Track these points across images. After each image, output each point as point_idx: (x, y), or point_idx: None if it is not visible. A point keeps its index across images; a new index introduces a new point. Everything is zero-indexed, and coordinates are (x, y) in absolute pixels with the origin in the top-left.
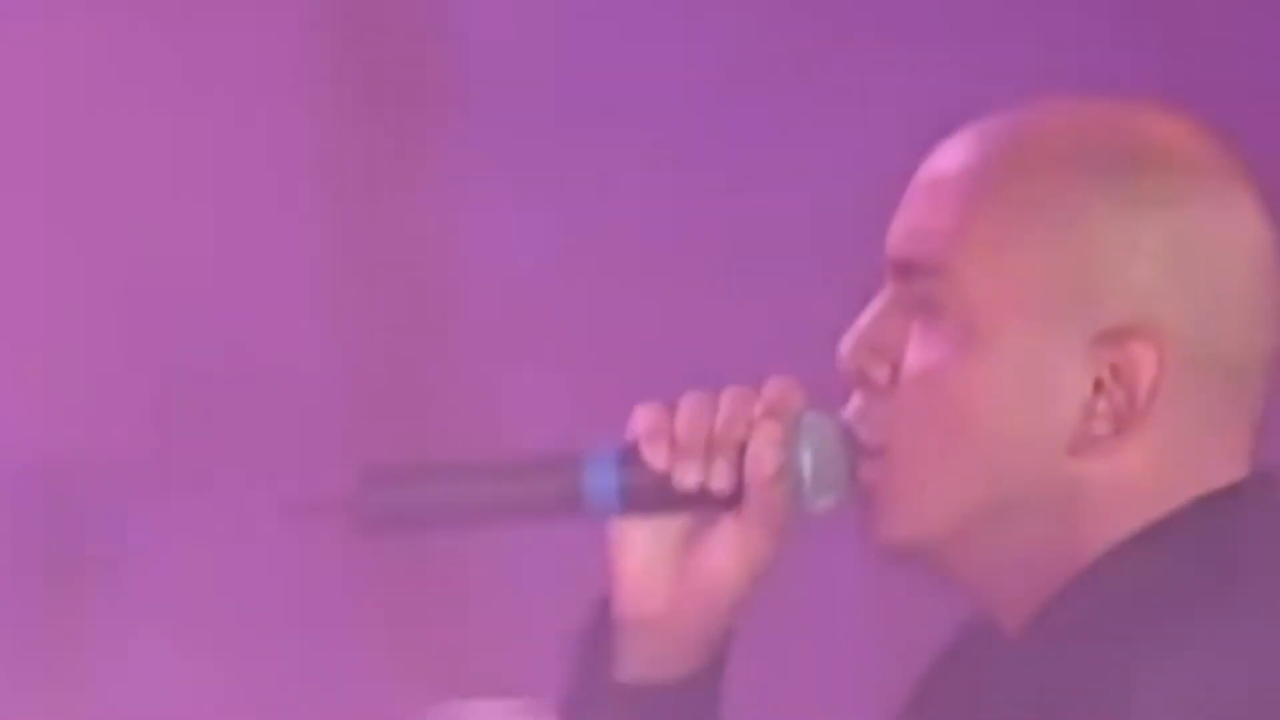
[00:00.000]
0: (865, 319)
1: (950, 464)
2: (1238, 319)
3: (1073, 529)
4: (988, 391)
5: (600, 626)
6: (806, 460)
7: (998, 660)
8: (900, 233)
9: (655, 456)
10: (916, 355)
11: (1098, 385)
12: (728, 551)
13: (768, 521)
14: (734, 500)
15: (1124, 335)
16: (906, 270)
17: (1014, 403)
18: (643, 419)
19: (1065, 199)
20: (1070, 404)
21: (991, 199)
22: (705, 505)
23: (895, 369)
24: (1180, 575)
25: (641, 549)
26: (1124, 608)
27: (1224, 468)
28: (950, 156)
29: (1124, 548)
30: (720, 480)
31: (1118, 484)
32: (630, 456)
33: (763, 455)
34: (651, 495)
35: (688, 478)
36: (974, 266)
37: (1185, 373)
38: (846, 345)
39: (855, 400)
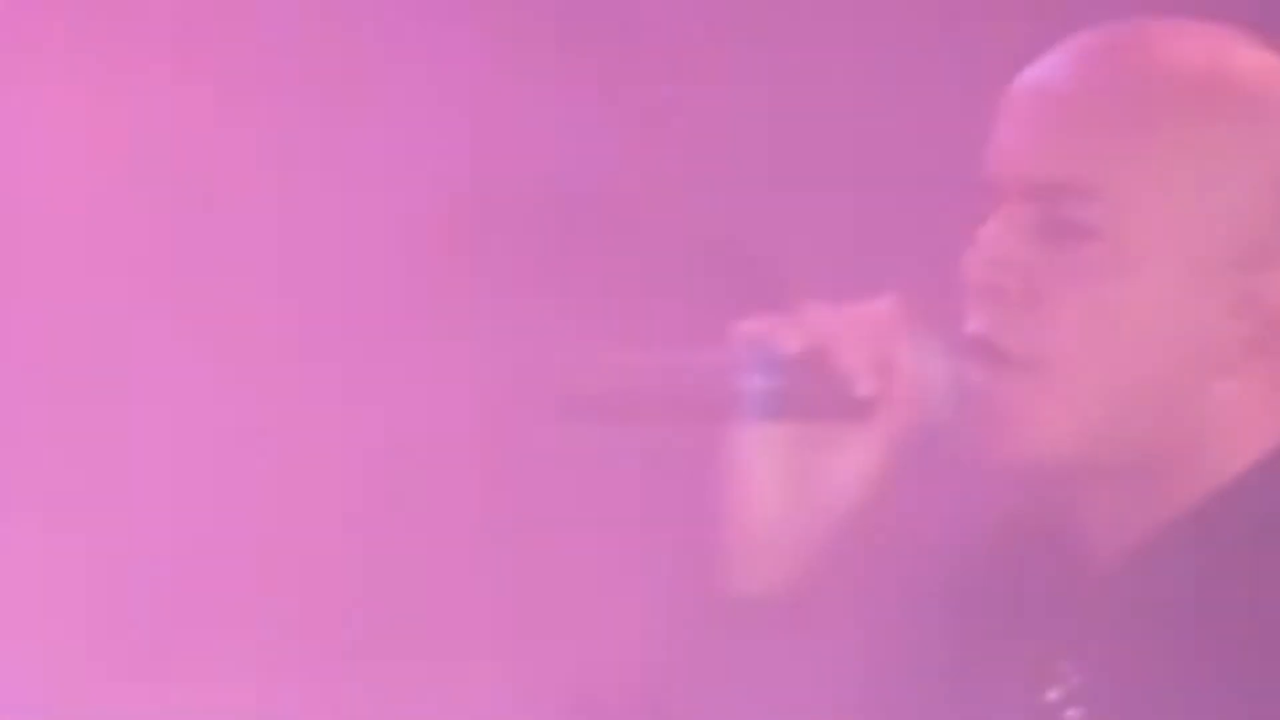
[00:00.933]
0: (996, 234)
1: (1102, 381)
2: None
3: (1195, 449)
4: (1142, 312)
5: (711, 544)
6: (940, 375)
7: (1095, 578)
8: (1031, 151)
9: (838, 361)
10: (1068, 274)
11: (1238, 310)
12: (854, 465)
13: (903, 434)
14: (868, 412)
15: (1265, 263)
16: (1046, 191)
17: (1164, 324)
18: (801, 326)
19: (1210, 134)
20: (1213, 327)
21: (1142, 126)
22: (848, 414)
23: (1030, 285)
24: None
25: (765, 463)
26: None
27: None
28: (1077, 74)
29: (1241, 484)
30: (871, 389)
31: (1240, 407)
32: (788, 361)
33: (912, 368)
34: (804, 400)
35: (862, 384)
36: (1130, 193)
37: None
38: (978, 258)
39: (981, 313)
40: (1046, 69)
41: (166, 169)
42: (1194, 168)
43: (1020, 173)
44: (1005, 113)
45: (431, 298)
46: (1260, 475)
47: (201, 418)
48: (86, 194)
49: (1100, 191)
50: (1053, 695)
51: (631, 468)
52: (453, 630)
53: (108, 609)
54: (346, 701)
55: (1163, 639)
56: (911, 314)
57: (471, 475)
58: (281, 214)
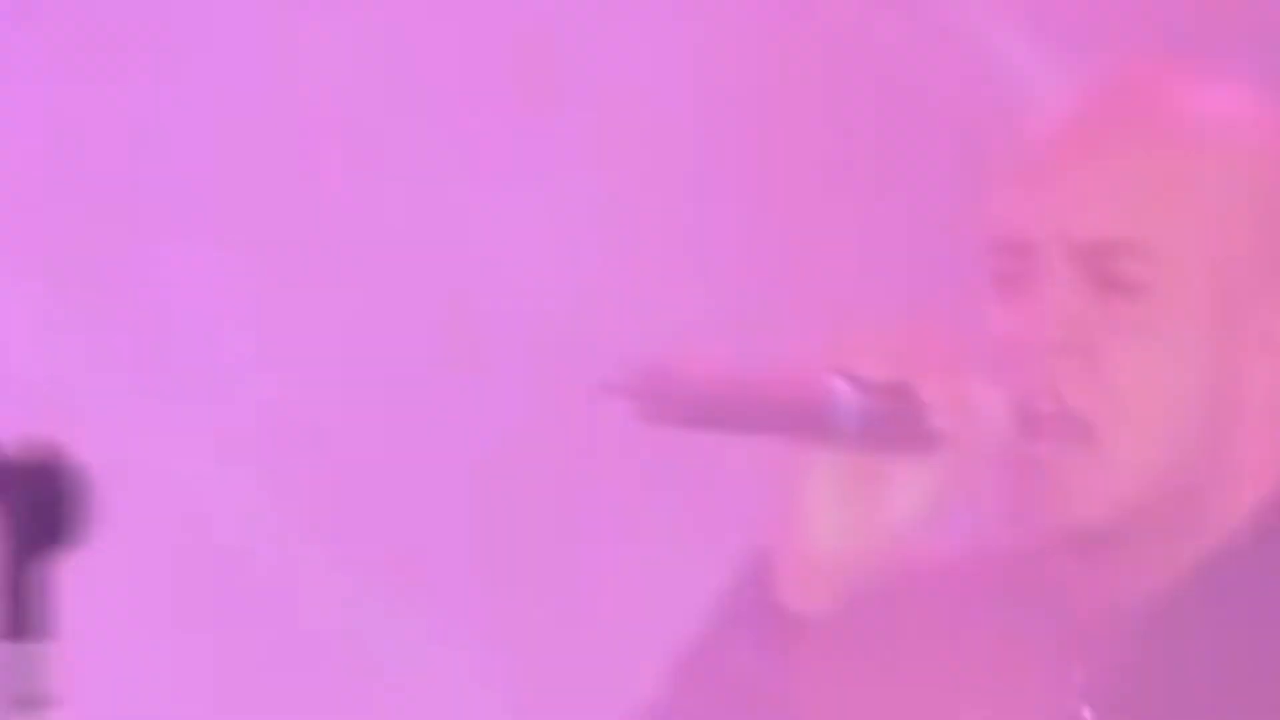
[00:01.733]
0: (1051, 294)
1: (1164, 441)
2: None
3: (1221, 496)
4: (1189, 362)
5: (763, 559)
6: (1003, 422)
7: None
8: (1078, 209)
9: (935, 394)
10: (1124, 331)
11: (1261, 350)
12: (912, 495)
13: (965, 472)
14: (935, 446)
15: None
16: (1097, 249)
17: (1206, 371)
18: (892, 352)
19: (1237, 181)
20: (1240, 370)
21: (1183, 179)
22: (918, 444)
23: (1089, 343)
24: None
25: (829, 486)
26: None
27: None
28: (1111, 128)
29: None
30: (944, 424)
31: (1258, 450)
32: (882, 389)
33: (995, 411)
34: (889, 428)
35: (939, 417)
36: (1179, 247)
37: None
38: (1035, 320)
39: (1039, 374)
40: (1076, 123)
41: None
42: (1228, 217)
43: (1068, 232)
44: (1040, 170)
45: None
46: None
47: None
48: None
49: (1152, 247)
50: None
51: (701, 476)
52: (506, 634)
53: None
54: None
55: (1189, 688)
56: (988, 358)
57: (542, 474)
58: None
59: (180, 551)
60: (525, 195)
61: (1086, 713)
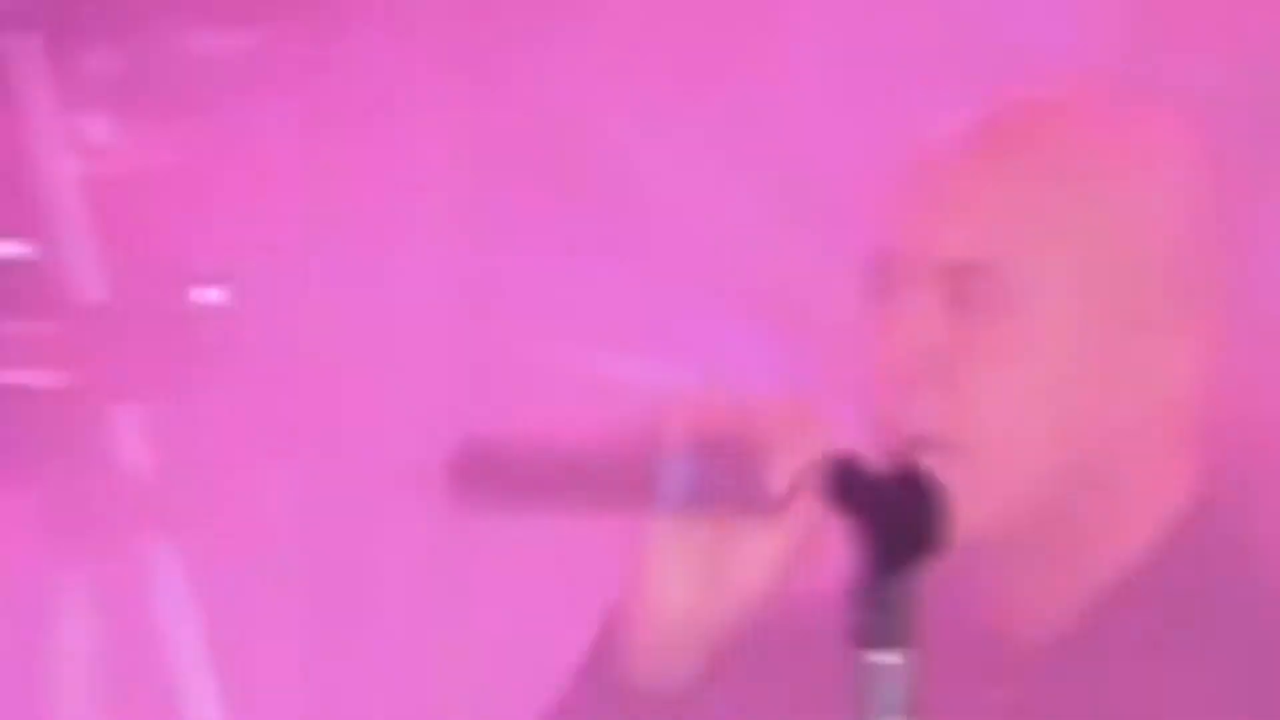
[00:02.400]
0: (909, 319)
1: (1020, 459)
2: None
3: (1109, 518)
4: (1053, 388)
5: (612, 632)
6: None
7: (1035, 661)
8: (940, 231)
9: (756, 455)
10: (982, 355)
11: (1138, 377)
12: (765, 557)
13: (813, 531)
14: (782, 507)
15: (1161, 329)
16: (956, 271)
17: (1074, 397)
18: (721, 416)
19: (1105, 206)
20: (1116, 396)
21: (1043, 204)
22: (762, 509)
23: (948, 369)
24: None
25: (679, 554)
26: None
27: None
28: (977, 153)
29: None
30: (786, 486)
31: (1146, 475)
32: (706, 457)
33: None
34: (723, 493)
35: (777, 481)
36: (1037, 270)
37: None
38: (896, 345)
39: (899, 399)
40: (952, 145)
41: None
42: (1090, 240)
43: (929, 252)
44: (908, 190)
45: None
46: (1171, 541)
47: None
48: None
49: (1011, 271)
50: None
51: (544, 552)
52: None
53: None
54: None
55: (1097, 707)
56: (829, 406)
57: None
58: None
59: None
60: None
61: None
